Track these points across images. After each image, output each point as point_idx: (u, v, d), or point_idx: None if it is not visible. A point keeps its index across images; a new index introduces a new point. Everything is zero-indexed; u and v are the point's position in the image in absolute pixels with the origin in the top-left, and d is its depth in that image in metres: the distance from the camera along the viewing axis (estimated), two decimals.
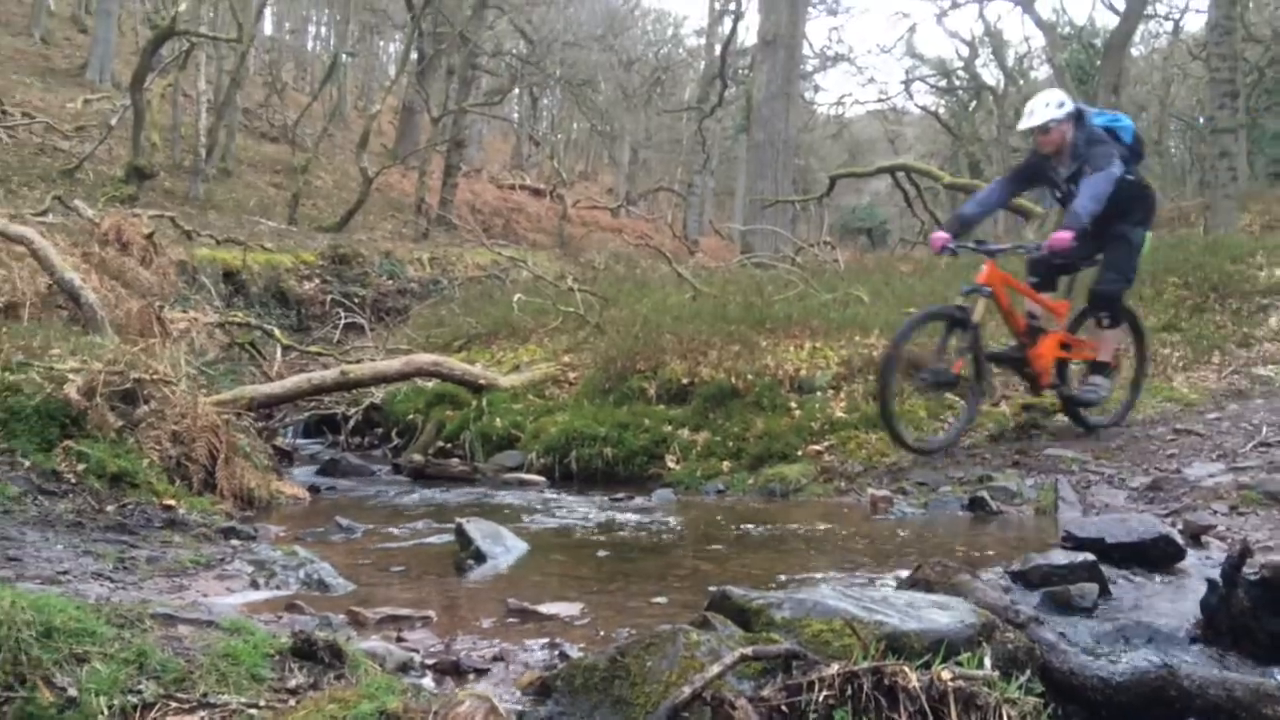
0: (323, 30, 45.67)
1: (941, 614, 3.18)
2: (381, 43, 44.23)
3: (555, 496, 6.67)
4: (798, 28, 20.40)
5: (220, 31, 23.13)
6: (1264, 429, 7.01)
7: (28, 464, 4.94)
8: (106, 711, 2.16)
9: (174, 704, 2.25)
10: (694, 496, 6.81)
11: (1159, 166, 38.39)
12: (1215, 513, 5.44)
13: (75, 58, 28.26)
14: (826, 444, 7.20)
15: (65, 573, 3.67)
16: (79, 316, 7.25)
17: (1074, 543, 4.54)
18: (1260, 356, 9.17)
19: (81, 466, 5.01)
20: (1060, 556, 4.09)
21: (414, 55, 27.24)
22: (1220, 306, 10.36)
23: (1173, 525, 4.81)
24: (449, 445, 8.30)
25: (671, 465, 7.38)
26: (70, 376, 5.42)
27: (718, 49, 33.83)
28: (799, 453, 7.14)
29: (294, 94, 34.18)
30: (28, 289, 7.13)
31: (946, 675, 2.63)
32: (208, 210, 19.35)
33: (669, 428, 7.63)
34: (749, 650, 2.77)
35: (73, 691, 2.16)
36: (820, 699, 2.64)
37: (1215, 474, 6.21)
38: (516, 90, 36.71)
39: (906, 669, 2.67)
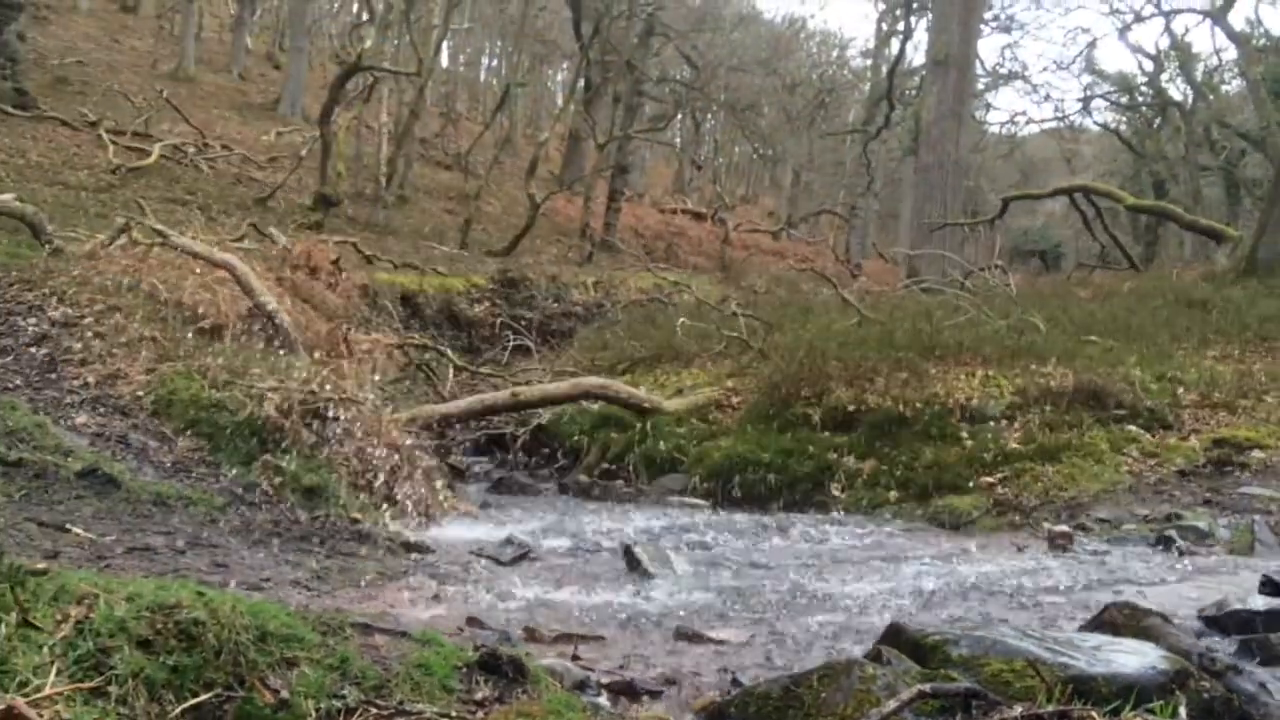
0: (495, 61, 47.32)
1: (1131, 658, 3.05)
2: (550, 71, 45.49)
3: (718, 519, 6.69)
4: (970, 46, 19.94)
5: (401, 66, 24.25)
6: None
7: (231, 476, 5.30)
8: (314, 714, 2.31)
9: (374, 710, 2.38)
10: (860, 525, 6.72)
11: None
12: None
13: (269, 93, 30.12)
14: (999, 476, 6.99)
15: (267, 579, 3.92)
16: (275, 337, 7.72)
17: (1274, 588, 4.29)
18: None
19: (278, 480, 5.34)
20: (1260, 602, 3.88)
21: (581, 84, 27.89)
22: None
23: None
24: (613, 467, 8.44)
25: (836, 493, 7.31)
26: (269, 395, 5.78)
27: (884, 70, 33.35)
28: (970, 484, 6.96)
29: (467, 124, 35.48)
30: (230, 311, 7.65)
31: None
32: (386, 236, 20.26)
33: (834, 455, 7.56)
34: (927, 687, 2.72)
35: (285, 694, 2.31)
36: None
37: None
38: (680, 116, 37.09)
39: (1095, 715, 2.57)
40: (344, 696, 2.41)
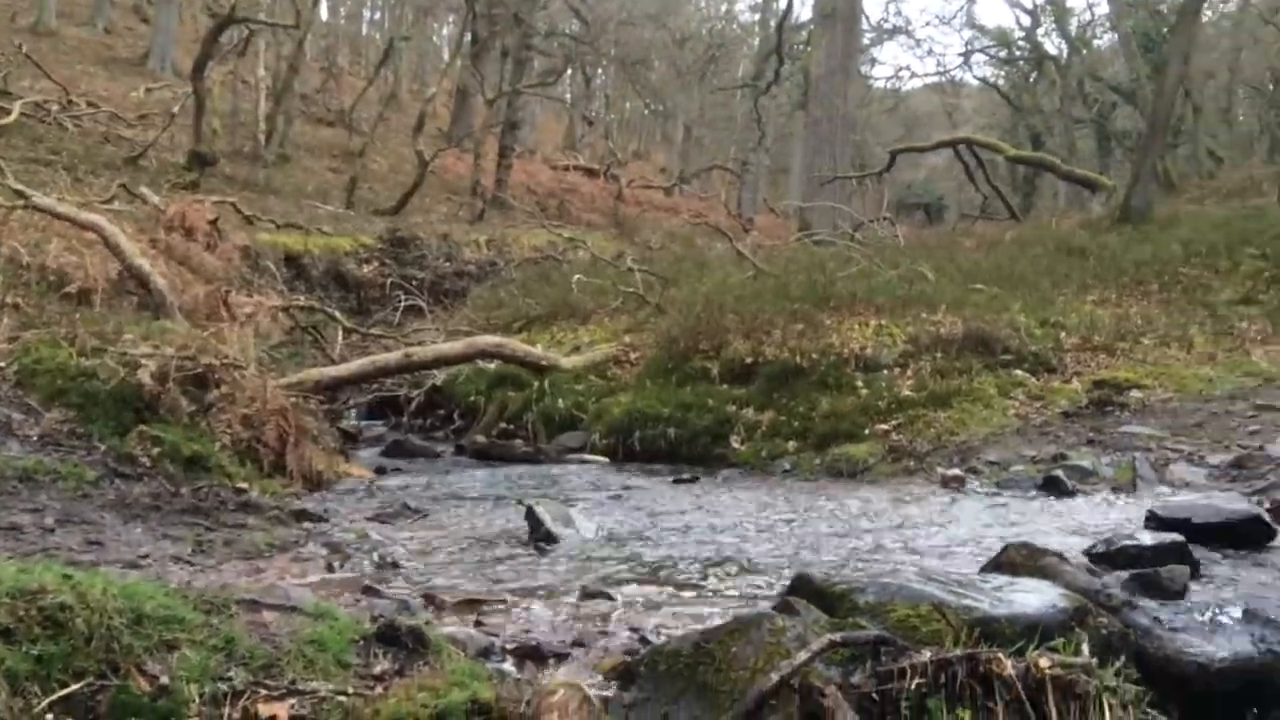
0: (377, 15, 45.92)
1: (1031, 598, 3.08)
2: (435, 25, 44.34)
3: (619, 477, 6.63)
4: (856, 1, 20.06)
5: (278, 18, 23.31)
6: None
7: (104, 448, 5.01)
8: (198, 699, 2.16)
9: (263, 691, 2.25)
10: (759, 476, 6.74)
11: (1227, 135, 37.30)
12: None
13: (137, 47, 28.67)
14: (894, 423, 7.08)
15: (145, 556, 3.71)
16: (149, 302, 7.35)
17: (1159, 523, 4.41)
18: None
19: (156, 450, 5.08)
20: (1147, 538, 3.97)
21: (467, 38, 27.25)
22: None
23: (1259, 505, 4.65)
24: (512, 426, 8.31)
25: (736, 445, 7.32)
26: (143, 362, 5.48)
27: (773, 24, 33.40)
28: (866, 432, 7.04)
29: (350, 79, 34.42)
30: (99, 275, 7.24)
31: (1045, 663, 2.54)
32: (267, 195, 19.53)
33: (733, 408, 7.56)
34: (838, 637, 2.70)
35: (165, 679, 2.16)
36: (913, 687, 2.57)
37: None
38: (570, 71, 36.59)
39: (1002, 656, 2.59)
40: (230, 679, 2.27)
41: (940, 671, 2.58)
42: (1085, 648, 2.75)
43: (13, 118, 17.50)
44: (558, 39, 30.82)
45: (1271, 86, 34.73)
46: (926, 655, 2.61)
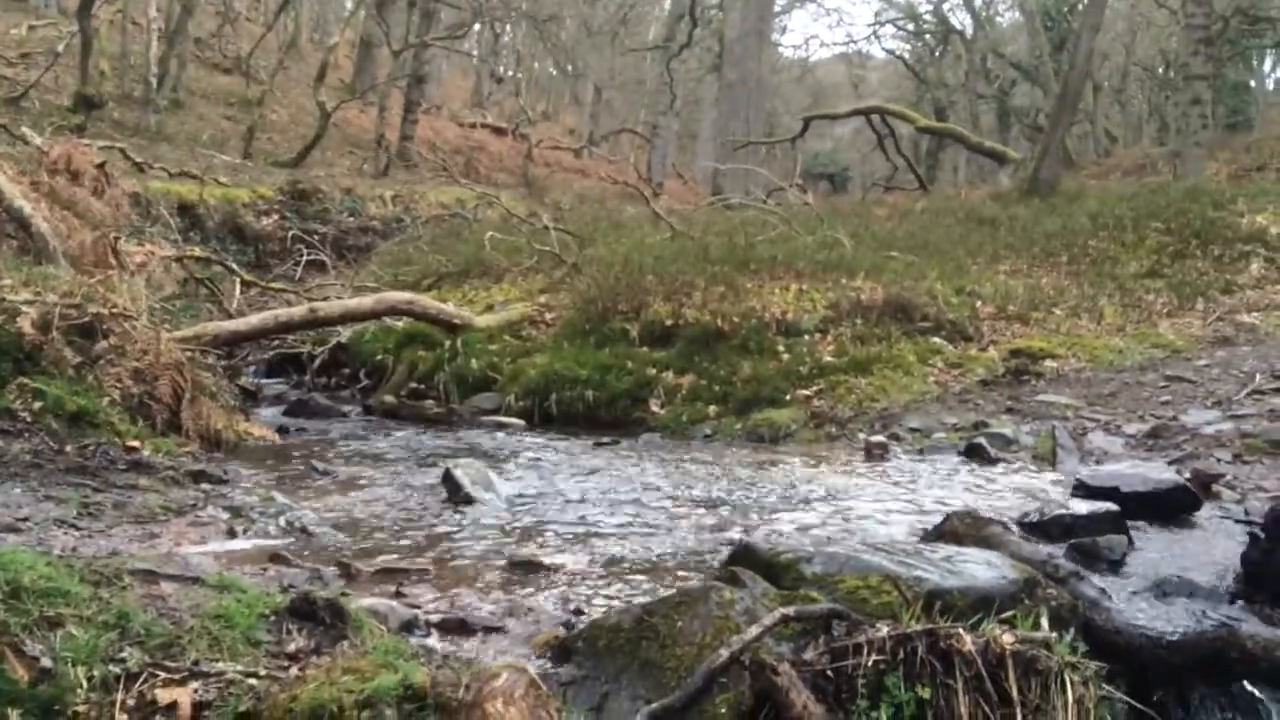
0: None
1: (981, 569, 2.98)
2: None
3: (538, 440, 6.41)
4: None
5: None
6: (1256, 376, 6.91)
7: None
8: (86, 684, 1.90)
9: (162, 673, 1.99)
10: (681, 440, 6.59)
11: (1120, 115, 38.40)
12: (1220, 461, 5.31)
13: None
14: (815, 388, 7.00)
15: (25, 519, 3.37)
16: (29, 247, 6.83)
17: (1088, 492, 4.38)
18: (1244, 303, 9.10)
19: (38, 405, 4.67)
20: (1082, 507, 3.92)
21: None
22: (1202, 253, 10.27)
23: (1179, 474, 4.66)
24: (422, 386, 8.01)
25: (656, 409, 7.16)
26: (24, 309, 5.05)
27: None
28: (787, 397, 6.94)
29: (248, 24, 33.01)
30: None
31: (1007, 639, 2.43)
32: (159, 142, 18.61)
33: (653, 370, 7.39)
34: (790, 610, 2.55)
35: (47, 661, 1.88)
36: (870, 663, 2.43)
37: (1213, 421, 6.09)
38: (478, 26, 35.73)
39: (962, 631, 2.46)
40: (124, 660, 2.01)
41: (899, 647, 2.44)
42: (1045, 622, 2.65)
43: None
44: None
45: (1162, 69, 35.78)
46: (884, 630, 2.48)
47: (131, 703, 1.92)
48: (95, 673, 1.93)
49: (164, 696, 1.94)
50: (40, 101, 17.70)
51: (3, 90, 17.86)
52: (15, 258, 6.38)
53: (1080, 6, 25.94)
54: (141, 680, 1.97)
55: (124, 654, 2.01)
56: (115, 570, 2.29)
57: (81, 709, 1.87)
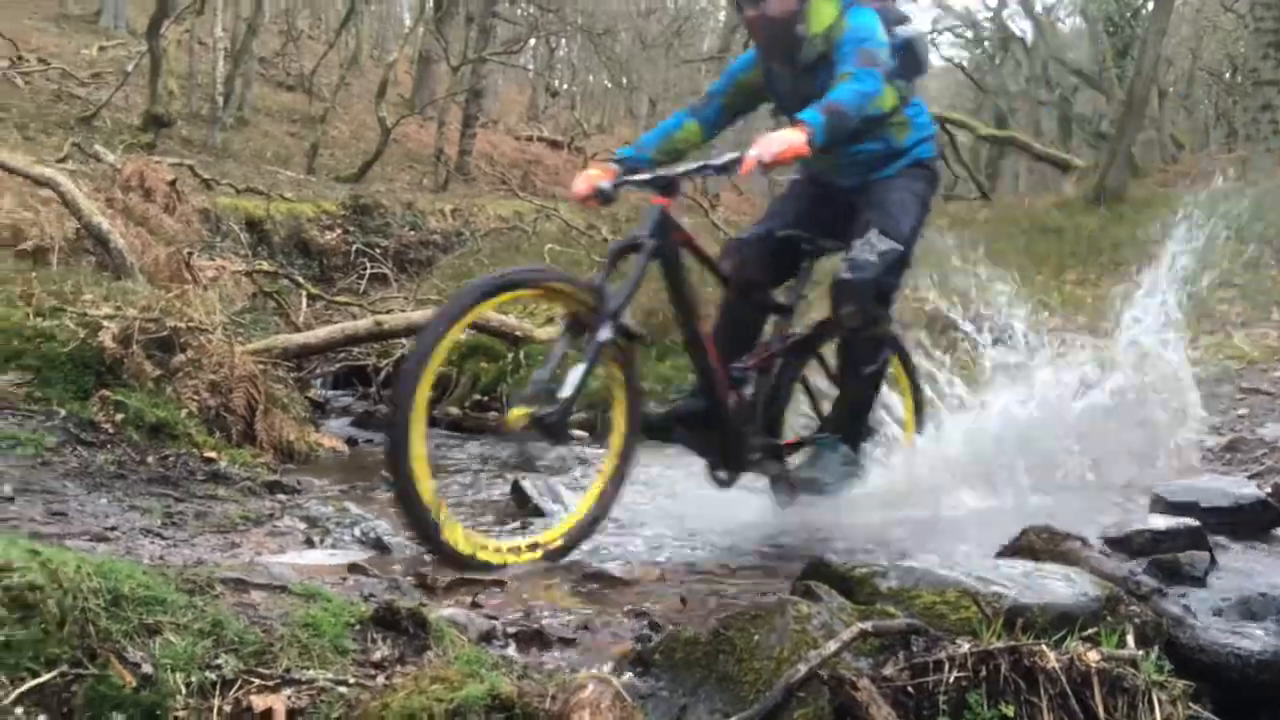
0: None
1: (1061, 585, 2.94)
2: None
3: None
4: None
5: None
6: None
7: (64, 413, 4.73)
8: (184, 690, 1.94)
9: (256, 680, 2.03)
10: None
11: (1186, 120, 37.66)
12: None
13: (90, 3, 27.82)
14: None
15: (113, 529, 3.47)
16: (107, 262, 7.02)
17: (1166, 506, 4.31)
18: None
19: (119, 416, 4.80)
20: (1161, 522, 3.85)
21: (430, 2, 26.70)
22: (1276, 261, 10.03)
23: (1259, 489, 4.56)
24: (485, 398, 8.08)
25: None
26: (104, 323, 5.19)
27: None
28: None
29: (310, 42, 33.67)
30: (55, 234, 6.90)
31: (1092, 657, 2.39)
32: (225, 159, 19.03)
33: None
34: (868, 625, 2.53)
35: (147, 668, 1.93)
36: (951, 680, 2.41)
37: None
38: (534, 40, 36.08)
39: (1045, 649, 2.43)
40: (219, 667, 2.05)
41: (981, 664, 2.41)
42: (1130, 639, 2.61)
43: None
44: (521, 6, 30.32)
45: (1229, 74, 35.05)
46: (966, 647, 2.45)
47: (228, 709, 1.97)
48: (193, 679, 1.97)
49: (259, 703, 1.98)
50: (111, 120, 18.20)
51: (75, 109, 18.39)
52: (95, 273, 6.56)
53: (1145, 11, 25.52)
54: (237, 687, 2.01)
55: (219, 661, 2.06)
56: (207, 578, 2.35)
57: (181, 715, 1.92)
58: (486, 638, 2.73)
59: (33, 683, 1.85)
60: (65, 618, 1.95)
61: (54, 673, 1.88)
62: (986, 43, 38.12)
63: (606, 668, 2.65)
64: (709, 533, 4.13)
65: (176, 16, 19.63)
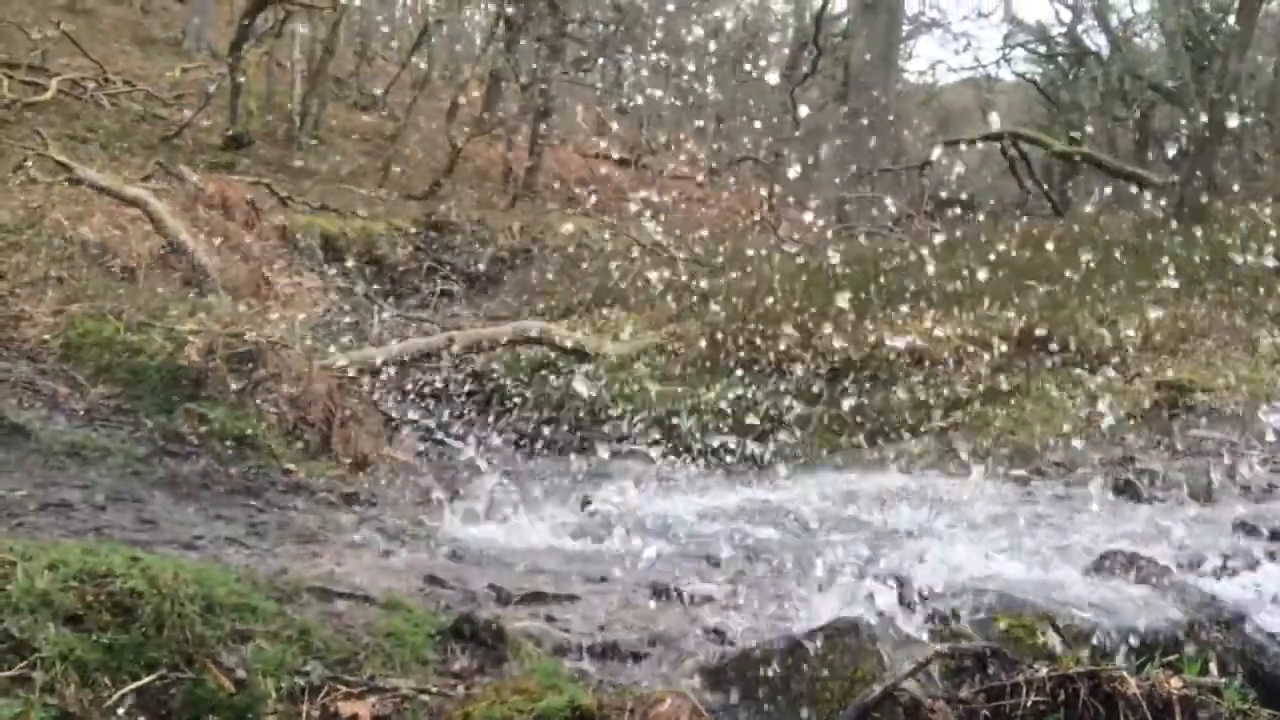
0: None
1: (1140, 610, 2.90)
2: (469, 11, 44.14)
3: (670, 469, 6.46)
4: None
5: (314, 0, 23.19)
6: None
7: (151, 425, 4.88)
8: (275, 694, 2.01)
9: (342, 687, 2.09)
10: (814, 470, 6.55)
11: (1269, 137, 36.62)
12: None
13: (173, 27, 28.62)
14: (951, 420, 6.88)
15: (199, 537, 3.57)
16: (192, 279, 7.23)
17: (1248, 531, 4.23)
18: None
19: (204, 428, 4.94)
20: (1242, 546, 3.78)
21: (501, 24, 27.06)
22: None
23: None
24: (555, 414, 8.15)
25: (786, 438, 7.12)
26: (190, 338, 5.35)
27: (808, 16, 33.03)
28: (922, 429, 6.84)
29: (383, 63, 34.30)
30: (143, 250, 7.13)
31: (1174, 683, 2.35)
32: (301, 178, 19.43)
33: (785, 400, 7.37)
34: (944, 647, 2.53)
35: (241, 673, 2.00)
36: (1029, 704, 2.39)
37: None
38: (602, 60, 36.34)
39: (1126, 675, 2.40)
40: (307, 673, 2.12)
41: (1059, 689, 2.39)
42: (1213, 666, 2.57)
43: (49, 94, 17.44)
44: (592, 25, 30.57)
45: None
46: (1044, 671, 2.43)
47: (316, 714, 2.03)
48: (283, 684, 2.04)
49: (345, 709, 2.04)
50: (193, 140, 18.71)
51: (159, 129, 18.94)
52: (179, 289, 6.77)
53: (1224, 26, 24.95)
54: (324, 693, 2.07)
55: (307, 667, 2.12)
56: (295, 587, 2.42)
57: (272, 719, 1.98)
58: (561, 650, 2.77)
59: (134, 685, 1.93)
60: (164, 623, 2.03)
61: (154, 675, 1.96)
62: (1060, 58, 37.50)
63: (680, 681, 2.67)
64: (782, 546, 4.12)
65: (256, 39, 20.17)
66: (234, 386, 5.36)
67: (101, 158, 14.55)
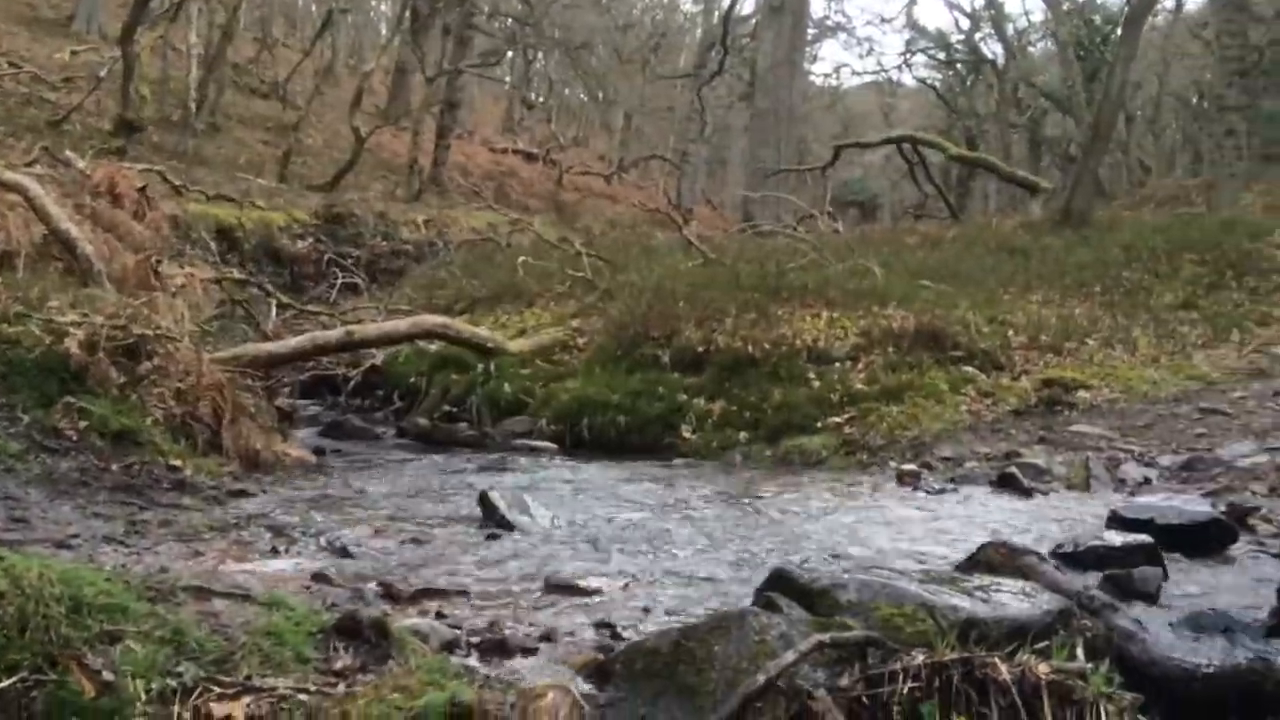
0: None
1: (1015, 599, 3.00)
2: (374, 1, 43.43)
3: (570, 465, 6.46)
4: None
5: None
6: None
7: (27, 420, 4.70)
8: (144, 696, 1.95)
9: (216, 688, 2.05)
10: (712, 466, 6.62)
11: (1153, 146, 38.18)
12: (1255, 494, 5.28)
13: (62, 8, 27.56)
14: (847, 416, 7.01)
15: (75, 536, 3.46)
16: (75, 269, 6.98)
17: (1122, 523, 4.37)
18: None
19: (83, 424, 4.78)
20: (1115, 538, 3.91)
21: (408, 13, 26.70)
22: (1237, 284, 10.21)
23: (1214, 507, 4.65)
24: (455, 410, 8.09)
25: (688, 435, 7.19)
26: (71, 330, 5.17)
27: (716, 15, 33.32)
28: (819, 424, 6.96)
29: (285, 50, 33.54)
30: (22, 239, 6.86)
31: (1043, 669, 2.44)
32: (196, 166, 18.89)
33: (684, 396, 7.44)
34: (826, 637, 2.58)
35: (108, 675, 1.94)
36: (905, 691, 2.46)
37: (1249, 454, 6.05)
38: (510, 53, 36.11)
39: (998, 661, 2.48)
40: (180, 674, 2.07)
41: (934, 675, 2.46)
42: (1080, 652, 2.67)
43: None
44: (499, 19, 30.38)
45: (1196, 99, 35.57)
46: (920, 658, 2.50)
47: (188, 716, 1.98)
48: (154, 686, 1.99)
49: (219, 711, 2.00)
50: (82, 125, 18.04)
51: (46, 114, 18.22)
52: (61, 279, 6.53)
53: (1113, 37, 25.92)
54: (197, 694, 2.03)
55: (180, 669, 2.07)
56: (169, 587, 2.36)
57: None
58: (449, 647, 2.75)
59: None
60: (27, 624, 1.96)
61: (14, 679, 1.89)
62: (959, 65, 38.53)
63: (567, 676, 2.68)
64: (674, 542, 4.15)
65: (151, 22, 19.53)
66: (117, 380, 5.20)
67: None
